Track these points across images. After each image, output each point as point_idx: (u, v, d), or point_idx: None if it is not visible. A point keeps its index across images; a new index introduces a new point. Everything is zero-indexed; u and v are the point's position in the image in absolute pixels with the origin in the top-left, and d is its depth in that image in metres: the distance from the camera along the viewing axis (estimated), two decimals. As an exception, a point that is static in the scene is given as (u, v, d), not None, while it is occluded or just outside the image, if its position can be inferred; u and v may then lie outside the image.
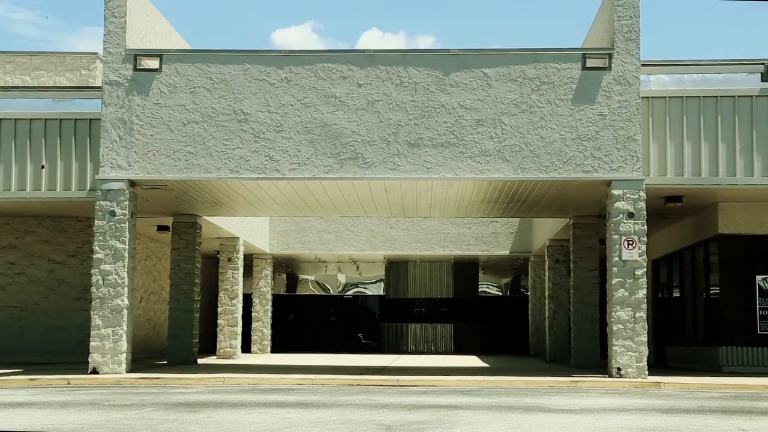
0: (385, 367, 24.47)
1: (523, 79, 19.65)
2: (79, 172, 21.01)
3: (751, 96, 19.98)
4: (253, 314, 34.94)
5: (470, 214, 25.89)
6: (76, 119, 21.10)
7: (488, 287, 40.36)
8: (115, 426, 10.09)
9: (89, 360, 19.67)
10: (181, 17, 71.86)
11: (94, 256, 19.86)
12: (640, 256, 19.42)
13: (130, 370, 20.02)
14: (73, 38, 76.83)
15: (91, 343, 19.65)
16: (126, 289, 19.78)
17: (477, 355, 35.18)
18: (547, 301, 29.48)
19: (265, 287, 35.25)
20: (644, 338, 19.29)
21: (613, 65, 19.52)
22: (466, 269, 39.81)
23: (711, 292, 23.42)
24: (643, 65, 19.71)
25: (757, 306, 22.16)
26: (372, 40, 74.25)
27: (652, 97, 20.06)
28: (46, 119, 21.11)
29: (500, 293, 40.43)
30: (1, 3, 68.59)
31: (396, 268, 39.91)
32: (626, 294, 19.34)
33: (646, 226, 19.54)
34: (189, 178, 19.95)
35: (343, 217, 31.54)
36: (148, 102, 19.90)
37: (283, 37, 77.11)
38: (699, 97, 20.03)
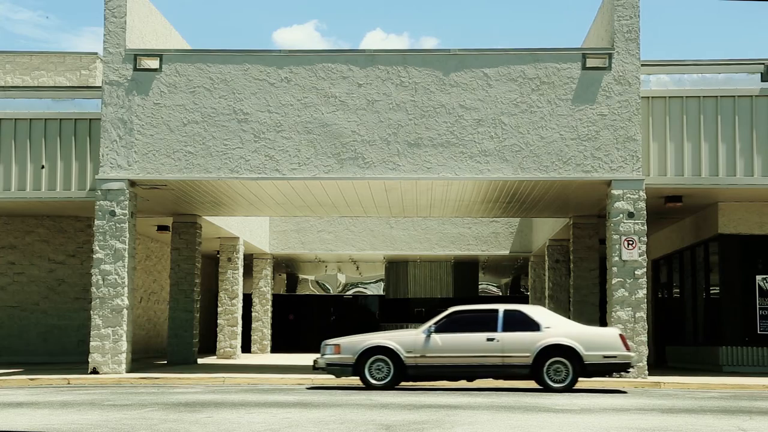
0: (385, 367, 24.42)
1: (523, 79, 19.65)
2: (79, 172, 21.01)
3: (751, 96, 19.98)
4: (253, 314, 34.93)
5: (470, 214, 25.89)
6: (76, 119, 21.10)
7: (488, 287, 40.36)
8: (115, 426, 10.09)
9: (89, 360, 19.67)
10: (181, 17, 71.84)
11: (94, 256, 19.87)
12: (640, 256, 19.43)
13: (130, 370, 20.02)
14: (74, 38, 76.85)
15: (91, 343, 19.65)
16: (126, 289, 19.78)
17: (477, 355, 35.11)
18: (547, 301, 29.48)
19: (265, 287, 35.25)
20: (644, 338, 19.30)
21: (613, 65, 19.52)
22: (466, 269, 39.80)
23: (711, 292, 23.42)
24: (643, 65, 19.71)
25: (757, 306, 22.16)
26: (376, 41, 74.19)
27: (652, 97, 20.06)
28: (46, 119, 21.11)
29: (500, 293, 40.42)
30: (2, 3, 68.61)
31: (396, 268, 39.91)
32: (626, 294, 19.35)
33: (646, 226, 19.55)
34: (189, 178, 19.95)
35: (343, 217, 31.55)
36: (148, 102, 19.90)
37: (285, 36, 77.07)
38: (699, 97, 20.03)
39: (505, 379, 16.72)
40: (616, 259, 19.44)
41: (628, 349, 16.49)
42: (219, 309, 30.35)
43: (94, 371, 19.51)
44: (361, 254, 36.42)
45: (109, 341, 19.63)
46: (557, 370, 16.17)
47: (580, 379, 16.98)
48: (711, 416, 11.63)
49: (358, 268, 40.05)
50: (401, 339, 16.51)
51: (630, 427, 10.25)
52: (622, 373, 17.17)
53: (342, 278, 40.51)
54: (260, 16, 77.10)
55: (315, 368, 16.86)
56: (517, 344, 16.24)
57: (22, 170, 21.10)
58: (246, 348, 33.80)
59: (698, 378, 19.49)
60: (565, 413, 11.85)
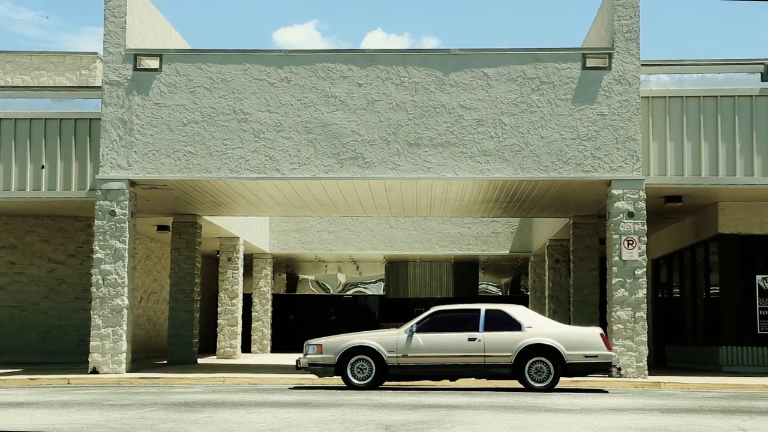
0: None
1: (523, 79, 19.65)
2: (79, 172, 21.02)
3: (751, 96, 19.98)
4: (253, 314, 34.94)
5: (470, 213, 25.89)
6: (76, 119, 21.10)
7: (488, 287, 40.35)
8: (115, 426, 10.09)
9: (89, 360, 19.67)
10: (181, 17, 71.83)
11: (94, 256, 19.87)
12: (640, 255, 19.43)
13: (130, 370, 20.02)
14: (75, 38, 76.86)
15: (91, 343, 19.65)
16: (126, 288, 19.78)
17: (477, 355, 35.08)
18: (547, 301, 29.49)
19: (265, 287, 35.25)
20: (644, 338, 19.30)
21: (613, 65, 19.52)
22: (466, 269, 39.80)
23: (711, 292, 23.42)
24: (643, 65, 19.71)
25: (757, 306, 22.15)
26: (376, 41, 74.14)
27: (652, 97, 20.06)
28: (46, 119, 21.11)
29: (500, 293, 40.42)
30: (3, 3, 68.61)
31: (396, 267, 39.91)
32: (626, 294, 19.34)
33: (646, 226, 19.54)
34: (189, 178, 19.95)
35: (343, 216, 31.54)
36: (148, 102, 19.90)
37: (285, 36, 77.06)
38: (699, 97, 20.03)
39: (487, 379, 16.77)
40: (616, 259, 19.44)
41: (609, 348, 16.50)
42: (219, 309, 30.35)
43: (94, 371, 19.51)
44: (361, 254, 36.43)
45: (109, 341, 19.63)
46: (539, 370, 16.20)
47: (577, 378, 17.01)
48: (711, 416, 11.63)
49: (358, 268, 40.04)
50: (383, 339, 16.56)
51: (630, 427, 10.25)
52: (605, 371, 17.17)
53: (342, 278, 40.50)
54: (260, 16, 77.10)
55: (298, 368, 16.93)
56: (499, 344, 16.28)
57: (22, 170, 21.10)
58: (246, 348, 33.80)
59: (698, 378, 19.49)
60: (565, 413, 11.85)
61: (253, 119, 19.84)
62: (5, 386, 17.67)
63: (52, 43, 73.88)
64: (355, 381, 16.40)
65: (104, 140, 19.89)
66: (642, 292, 19.40)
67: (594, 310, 24.47)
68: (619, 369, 19.09)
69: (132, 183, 20.07)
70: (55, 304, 26.05)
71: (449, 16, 75.66)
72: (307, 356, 16.73)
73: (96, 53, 27.90)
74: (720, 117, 19.97)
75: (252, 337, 34.77)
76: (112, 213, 19.81)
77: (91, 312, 19.76)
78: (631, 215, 19.43)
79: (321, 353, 16.62)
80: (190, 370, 21.61)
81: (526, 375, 16.18)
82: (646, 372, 19.25)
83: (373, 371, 16.40)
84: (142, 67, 20.03)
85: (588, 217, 24.49)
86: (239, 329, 30.39)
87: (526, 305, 35.14)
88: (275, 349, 36.64)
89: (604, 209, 21.00)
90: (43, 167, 21.05)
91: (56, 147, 21.04)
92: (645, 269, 19.58)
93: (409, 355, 16.39)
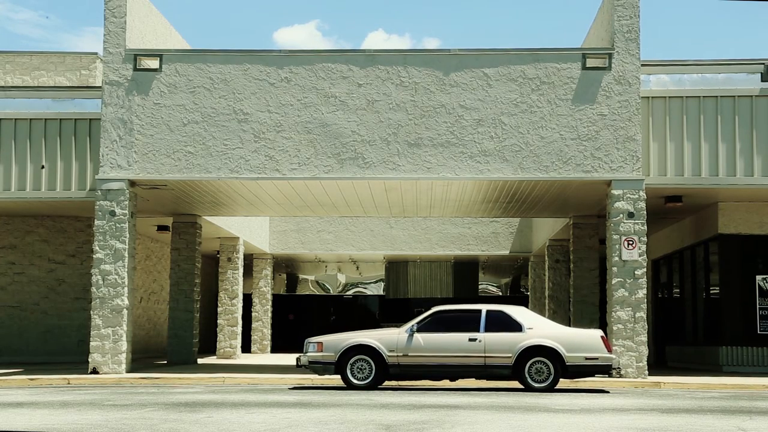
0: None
1: (523, 79, 19.64)
2: (79, 172, 21.01)
3: (751, 96, 19.98)
4: (253, 314, 34.94)
5: (470, 214, 25.89)
6: (76, 119, 21.10)
7: (488, 287, 40.34)
8: (115, 426, 10.10)
9: (89, 360, 19.67)
10: (181, 17, 71.81)
11: (94, 256, 19.87)
12: (640, 256, 19.43)
13: (130, 370, 20.02)
14: (74, 38, 76.87)
15: (91, 343, 19.65)
16: (126, 289, 19.78)
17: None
18: (547, 301, 29.49)
19: (265, 287, 35.25)
20: (644, 338, 19.30)
21: (613, 65, 19.52)
22: (466, 269, 39.79)
23: (711, 292, 23.42)
24: (643, 65, 19.71)
25: (757, 306, 22.15)
26: (378, 41, 74.15)
27: (652, 97, 20.06)
28: (46, 119, 21.11)
29: (500, 293, 40.40)
30: (3, 3, 68.62)
31: (396, 268, 39.89)
32: (626, 294, 19.34)
33: (646, 226, 19.55)
34: (189, 178, 19.95)
35: (343, 217, 31.55)
36: (148, 102, 19.90)
37: (286, 36, 77.06)
38: (699, 97, 20.03)
39: (487, 379, 16.77)
40: (616, 259, 19.44)
41: (609, 350, 16.51)
42: (219, 309, 30.35)
43: (94, 371, 19.51)
44: (361, 254, 36.41)
45: (109, 341, 19.63)
46: (539, 371, 16.22)
47: (580, 379, 17.00)
48: (711, 416, 11.63)
49: (358, 268, 40.03)
50: (384, 338, 16.57)
51: (630, 427, 10.25)
52: (605, 374, 17.18)
53: (342, 278, 40.49)
54: (260, 16, 77.10)
55: (298, 366, 16.97)
56: (499, 345, 16.29)
57: (22, 170, 21.10)
58: (246, 348, 33.80)
59: (698, 378, 19.49)
60: (565, 413, 11.85)
61: (253, 119, 19.84)
62: (5, 386, 17.67)
63: (52, 43, 73.88)
64: (355, 381, 16.40)
65: (104, 140, 19.89)
66: (642, 292, 19.40)
67: (594, 310, 24.47)
68: (619, 369, 19.09)
69: (132, 183, 20.07)
70: (55, 304, 26.04)
71: (450, 17, 75.66)
72: (308, 354, 16.75)
73: (96, 53, 27.89)
74: (720, 117, 19.96)
75: (252, 337, 34.76)
76: (112, 213, 19.81)
77: (91, 312, 19.76)
78: (631, 215, 19.43)
79: (321, 351, 16.64)
80: (190, 370, 21.61)
81: (527, 375, 16.19)
82: (646, 372, 19.26)
83: (373, 370, 16.41)
84: (142, 67, 20.03)
85: (588, 217, 24.49)
86: (239, 329, 30.39)
87: (526, 305, 35.16)
88: (275, 349, 36.63)
89: (604, 209, 21.01)
90: (43, 167, 21.05)
91: (56, 147, 21.04)
92: (645, 269, 19.58)
93: (409, 354, 16.40)
